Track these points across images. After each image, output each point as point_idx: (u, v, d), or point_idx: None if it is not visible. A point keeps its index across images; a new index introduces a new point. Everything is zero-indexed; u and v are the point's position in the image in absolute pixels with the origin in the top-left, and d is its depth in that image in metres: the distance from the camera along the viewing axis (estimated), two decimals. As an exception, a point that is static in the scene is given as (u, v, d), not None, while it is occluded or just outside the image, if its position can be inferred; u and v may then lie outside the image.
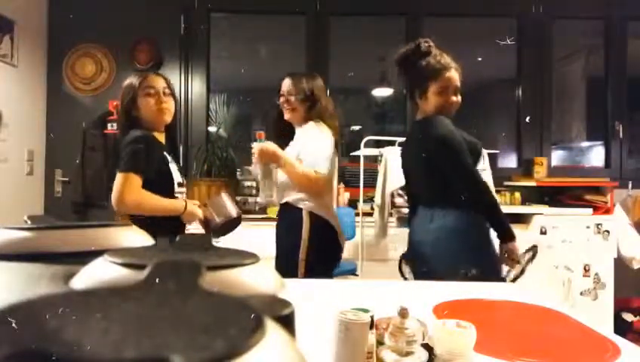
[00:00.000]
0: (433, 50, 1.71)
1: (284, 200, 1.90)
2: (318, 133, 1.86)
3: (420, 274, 1.70)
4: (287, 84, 1.94)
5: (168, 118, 1.77)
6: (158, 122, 1.75)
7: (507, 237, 1.58)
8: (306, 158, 1.82)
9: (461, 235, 1.61)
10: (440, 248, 1.62)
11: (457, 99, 1.71)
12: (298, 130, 1.95)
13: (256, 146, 1.80)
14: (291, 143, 1.95)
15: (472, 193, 1.59)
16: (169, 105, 1.75)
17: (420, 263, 1.70)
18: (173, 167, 1.76)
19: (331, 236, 1.88)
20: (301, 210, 1.84)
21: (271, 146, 1.79)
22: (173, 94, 1.79)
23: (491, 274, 1.55)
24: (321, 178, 1.80)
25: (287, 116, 1.95)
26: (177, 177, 1.77)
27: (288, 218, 1.88)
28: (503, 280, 1.64)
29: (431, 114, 1.70)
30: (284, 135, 2.00)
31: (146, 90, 1.72)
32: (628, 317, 3.00)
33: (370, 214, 2.85)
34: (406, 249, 1.83)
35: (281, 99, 1.94)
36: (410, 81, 1.78)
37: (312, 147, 1.83)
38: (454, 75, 1.69)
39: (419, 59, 1.71)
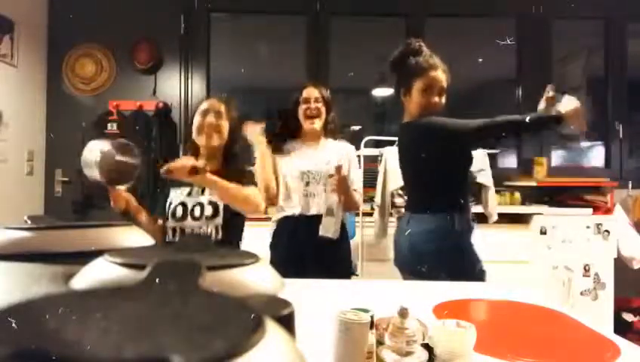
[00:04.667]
0: (424, 50, 1.70)
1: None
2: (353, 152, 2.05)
3: (409, 275, 1.69)
4: (313, 90, 1.94)
5: (214, 141, 1.64)
6: (201, 142, 1.66)
7: (552, 121, 1.56)
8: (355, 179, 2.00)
9: (442, 237, 1.60)
10: (426, 249, 1.62)
11: (441, 100, 1.69)
12: (327, 143, 2.00)
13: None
14: (326, 154, 1.96)
15: (483, 132, 1.61)
16: (217, 127, 1.64)
17: (410, 263, 1.69)
18: (181, 196, 1.60)
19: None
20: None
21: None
22: (229, 117, 1.70)
23: (470, 276, 1.52)
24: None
25: (311, 125, 1.93)
26: (178, 210, 1.58)
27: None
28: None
29: (416, 115, 1.70)
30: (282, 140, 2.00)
31: (200, 109, 1.69)
32: (628, 317, 3.00)
33: (370, 214, 2.85)
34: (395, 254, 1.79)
35: (306, 106, 1.94)
36: (397, 79, 1.77)
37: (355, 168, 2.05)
38: (440, 75, 1.67)
39: (409, 58, 1.70)
